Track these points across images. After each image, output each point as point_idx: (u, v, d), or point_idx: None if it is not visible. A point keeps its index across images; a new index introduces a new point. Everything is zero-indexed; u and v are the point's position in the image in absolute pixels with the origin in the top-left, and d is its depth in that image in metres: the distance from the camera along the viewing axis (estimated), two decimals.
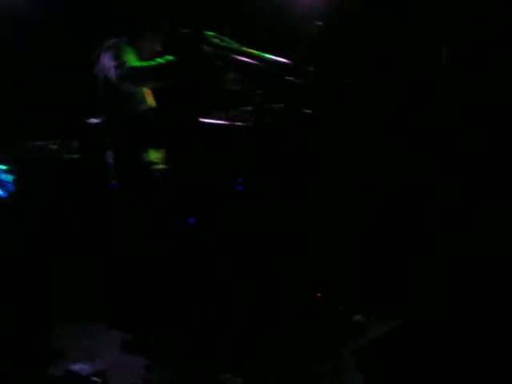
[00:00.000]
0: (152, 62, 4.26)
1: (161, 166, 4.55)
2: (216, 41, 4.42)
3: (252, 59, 4.53)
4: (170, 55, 4.25)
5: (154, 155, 4.53)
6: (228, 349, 4.12)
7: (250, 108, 4.49)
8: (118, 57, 4.35)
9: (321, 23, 4.98)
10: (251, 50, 4.58)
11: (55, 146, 5.22)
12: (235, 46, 4.52)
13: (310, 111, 4.63)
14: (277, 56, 4.68)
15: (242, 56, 4.51)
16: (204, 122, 4.43)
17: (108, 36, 4.61)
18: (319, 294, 4.65)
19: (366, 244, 5.01)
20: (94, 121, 4.79)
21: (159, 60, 4.23)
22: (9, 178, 4.70)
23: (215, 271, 4.39)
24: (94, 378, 4.00)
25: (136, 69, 4.29)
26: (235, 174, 4.59)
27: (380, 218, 5.18)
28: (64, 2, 5.79)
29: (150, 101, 4.65)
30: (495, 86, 5.55)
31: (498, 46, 5.72)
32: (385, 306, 4.52)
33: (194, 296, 4.36)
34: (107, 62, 4.39)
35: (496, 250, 4.59)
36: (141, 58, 4.49)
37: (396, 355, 3.45)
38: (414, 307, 4.34)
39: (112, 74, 4.30)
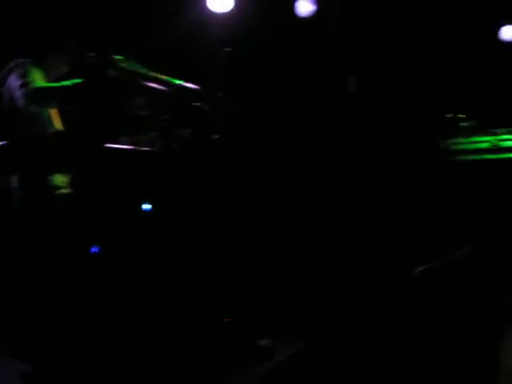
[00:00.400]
0: (57, 84, 4.22)
1: (66, 191, 4.48)
2: (123, 65, 4.40)
3: (160, 84, 4.54)
4: (77, 78, 4.22)
5: (60, 179, 4.45)
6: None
7: (156, 133, 4.50)
8: (23, 77, 4.28)
9: (229, 49, 5.02)
10: (160, 75, 4.59)
11: None
12: (143, 70, 4.52)
13: (217, 137, 4.66)
14: (186, 81, 4.72)
15: (150, 81, 4.51)
16: (110, 147, 4.38)
17: (15, 56, 4.54)
18: (227, 319, 4.66)
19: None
20: None
21: (65, 82, 4.19)
22: None
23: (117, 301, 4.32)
24: None
25: (41, 89, 4.23)
26: (142, 199, 4.56)
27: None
28: None
29: (57, 124, 4.58)
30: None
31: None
32: (288, 328, 4.57)
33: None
34: (13, 81, 4.31)
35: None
36: (47, 80, 4.44)
37: (301, 376, 3.51)
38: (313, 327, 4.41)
39: (17, 94, 4.23)
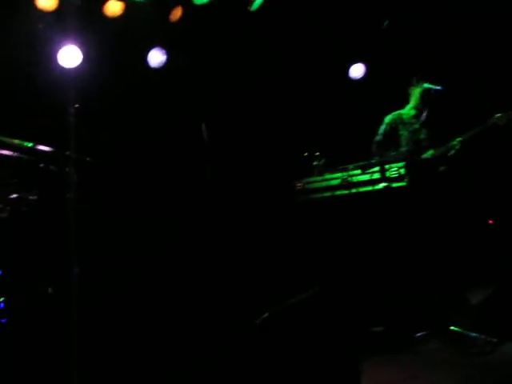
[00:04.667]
0: None
1: None
2: None
3: (7, 148, 4.46)
4: None
5: None
6: None
7: (3, 198, 4.39)
8: None
9: (78, 105, 4.97)
10: (5, 138, 4.50)
11: None
12: None
13: (70, 196, 4.59)
14: (37, 142, 4.64)
15: None
16: None
17: None
18: None
19: None
20: None
21: None
22: None
23: None
24: None
25: None
26: None
27: None
28: None
29: None
30: None
31: None
32: None
33: None
34: None
35: None
36: None
37: None
38: None
39: None
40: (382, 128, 6.05)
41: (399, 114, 6.08)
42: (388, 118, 6.07)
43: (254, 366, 3.96)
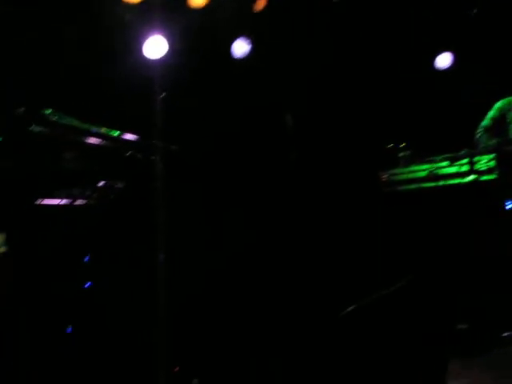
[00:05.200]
0: None
1: (2, 250, 4.40)
2: (54, 118, 4.37)
3: (93, 136, 4.53)
4: (4, 135, 4.18)
5: None
6: None
7: (91, 186, 4.46)
8: None
9: (164, 95, 5.00)
10: (94, 127, 4.57)
11: None
12: (75, 123, 4.50)
13: (157, 185, 4.62)
14: (123, 131, 4.70)
15: (83, 134, 4.49)
16: (44, 204, 4.34)
17: None
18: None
19: None
20: None
21: None
22: None
23: None
24: None
25: None
26: (82, 253, 4.52)
27: None
28: None
29: None
30: None
31: None
32: None
33: None
34: None
35: None
36: None
37: None
38: None
39: None
40: (491, 113, 5.85)
41: (510, 101, 5.88)
42: (498, 104, 5.87)
43: (337, 360, 3.91)
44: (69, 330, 4.40)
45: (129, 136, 4.74)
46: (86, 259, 4.53)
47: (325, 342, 3.94)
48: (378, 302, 3.86)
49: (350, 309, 3.75)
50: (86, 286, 4.40)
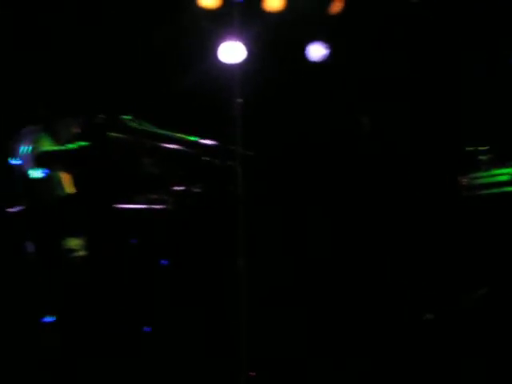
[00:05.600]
0: (61, 147, 4.28)
1: (81, 253, 4.50)
2: (133, 125, 4.46)
3: (171, 142, 4.58)
4: (85, 141, 4.28)
5: (74, 242, 4.48)
6: None
7: (169, 191, 4.52)
8: (31, 143, 4.35)
9: (241, 100, 5.02)
10: (171, 133, 4.63)
11: None
12: (153, 129, 4.57)
13: (233, 191, 4.64)
14: (200, 136, 4.74)
15: (161, 139, 4.56)
16: (123, 207, 4.42)
17: (26, 124, 4.63)
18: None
19: None
20: (13, 210, 4.72)
21: (70, 145, 4.26)
22: None
23: None
24: None
25: (44, 154, 4.30)
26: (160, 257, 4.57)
27: None
28: None
29: (69, 187, 4.62)
30: None
31: None
32: None
33: None
34: (22, 149, 4.39)
35: None
36: (57, 144, 4.49)
37: None
38: None
39: (24, 160, 4.31)
40: None
41: None
42: None
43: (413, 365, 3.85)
44: (147, 329, 4.47)
45: (206, 141, 4.77)
46: (164, 263, 4.59)
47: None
48: (458, 310, 3.77)
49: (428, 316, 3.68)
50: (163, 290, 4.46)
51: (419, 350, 4.22)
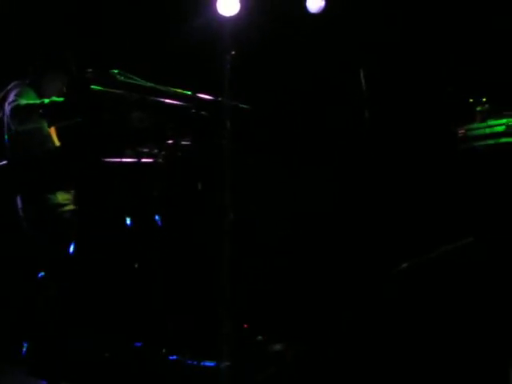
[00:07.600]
0: (42, 101, 4.26)
1: (70, 207, 4.51)
2: (121, 78, 4.41)
3: (159, 95, 4.54)
4: (71, 94, 4.25)
5: (62, 197, 4.48)
6: None
7: (158, 144, 4.49)
8: (16, 96, 4.33)
9: (233, 52, 4.95)
10: (159, 86, 4.58)
11: None
12: (141, 82, 4.52)
13: (223, 143, 4.61)
14: (193, 90, 4.69)
15: (149, 92, 4.51)
16: (112, 161, 4.40)
17: (12, 79, 4.61)
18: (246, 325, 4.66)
19: None
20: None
21: (55, 98, 4.24)
22: None
23: None
24: None
25: (24, 107, 4.27)
26: (150, 211, 4.56)
27: None
28: None
29: (54, 141, 4.61)
30: None
31: None
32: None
33: None
34: (7, 103, 4.37)
35: None
36: (43, 98, 4.45)
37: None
38: None
39: (7, 114, 4.31)
40: None
41: None
42: None
43: (385, 320, 3.83)
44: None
45: (197, 94, 4.72)
46: (156, 218, 4.58)
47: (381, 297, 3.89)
48: (434, 260, 3.73)
49: (403, 266, 3.65)
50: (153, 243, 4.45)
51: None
